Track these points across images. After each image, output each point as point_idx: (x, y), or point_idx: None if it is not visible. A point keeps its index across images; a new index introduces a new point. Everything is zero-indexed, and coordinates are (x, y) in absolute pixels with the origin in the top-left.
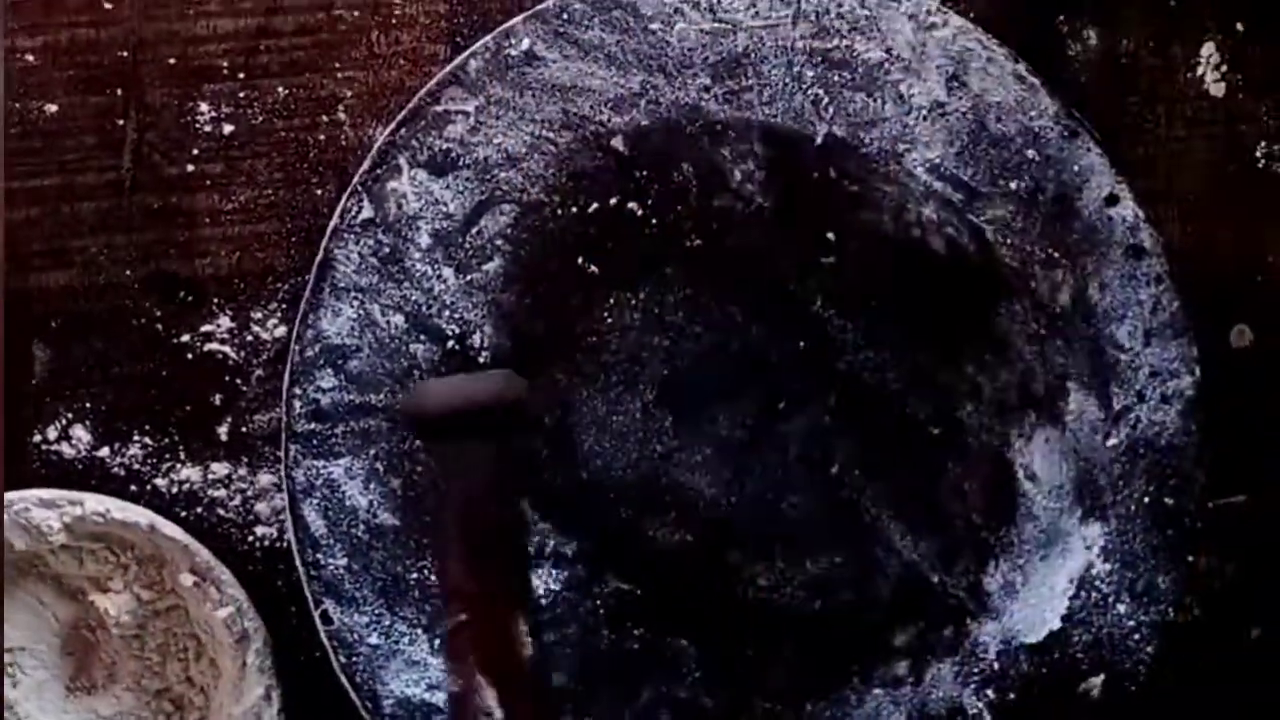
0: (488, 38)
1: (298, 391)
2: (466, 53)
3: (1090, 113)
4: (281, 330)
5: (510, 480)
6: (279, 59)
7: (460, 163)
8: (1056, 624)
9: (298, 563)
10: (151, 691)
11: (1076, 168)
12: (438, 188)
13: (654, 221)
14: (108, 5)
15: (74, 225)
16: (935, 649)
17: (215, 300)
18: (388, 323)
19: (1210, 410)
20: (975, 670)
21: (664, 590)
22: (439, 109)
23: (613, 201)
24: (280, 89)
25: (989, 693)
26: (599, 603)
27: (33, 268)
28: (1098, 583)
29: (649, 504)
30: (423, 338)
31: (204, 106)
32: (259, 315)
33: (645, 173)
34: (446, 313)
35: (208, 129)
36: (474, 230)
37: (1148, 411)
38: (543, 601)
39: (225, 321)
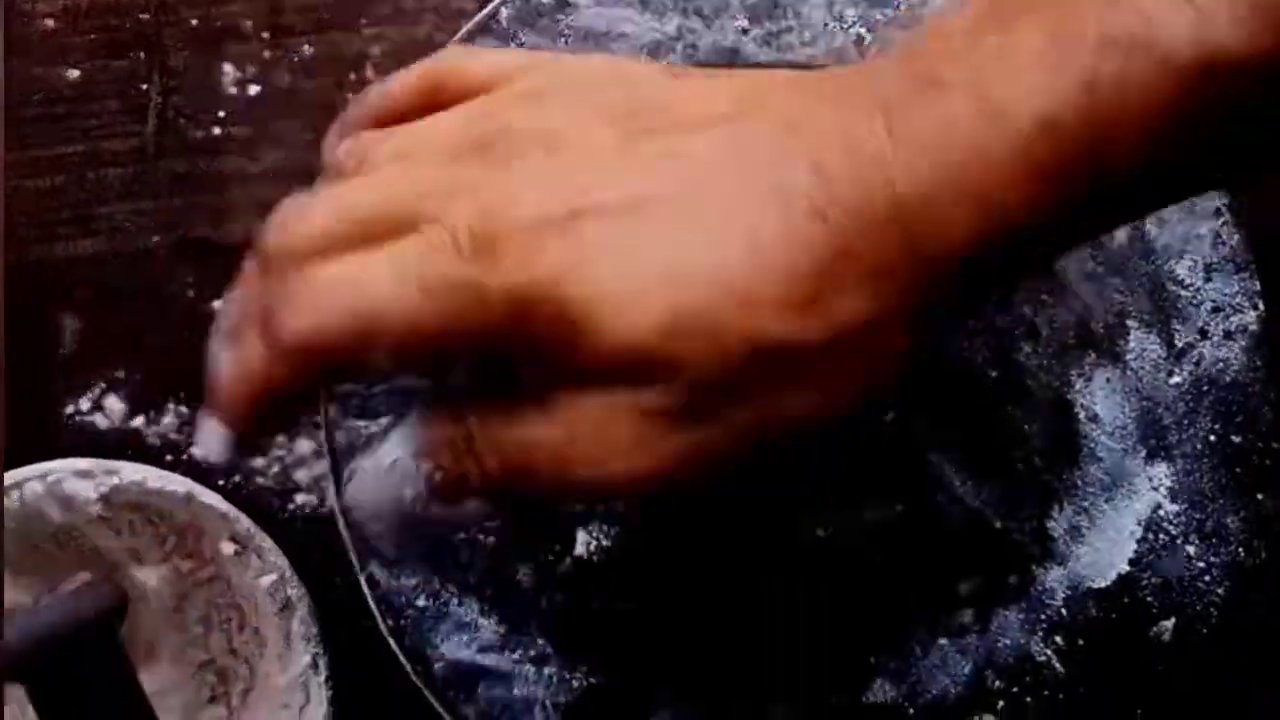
0: None
1: None
2: (497, 1)
3: None
4: None
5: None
6: (304, 18)
7: None
8: (1125, 567)
9: (341, 526)
10: (195, 664)
11: None
12: None
13: None
14: None
15: (99, 192)
16: (1001, 596)
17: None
18: None
19: (1275, 346)
20: (1042, 617)
21: (720, 540)
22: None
23: None
24: (306, 48)
25: (1057, 639)
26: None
27: (59, 236)
28: (1165, 524)
29: None
30: None
31: (229, 68)
32: None
33: None
34: None
35: (233, 91)
36: None
37: (1211, 348)
38: (594, 558)
39: None
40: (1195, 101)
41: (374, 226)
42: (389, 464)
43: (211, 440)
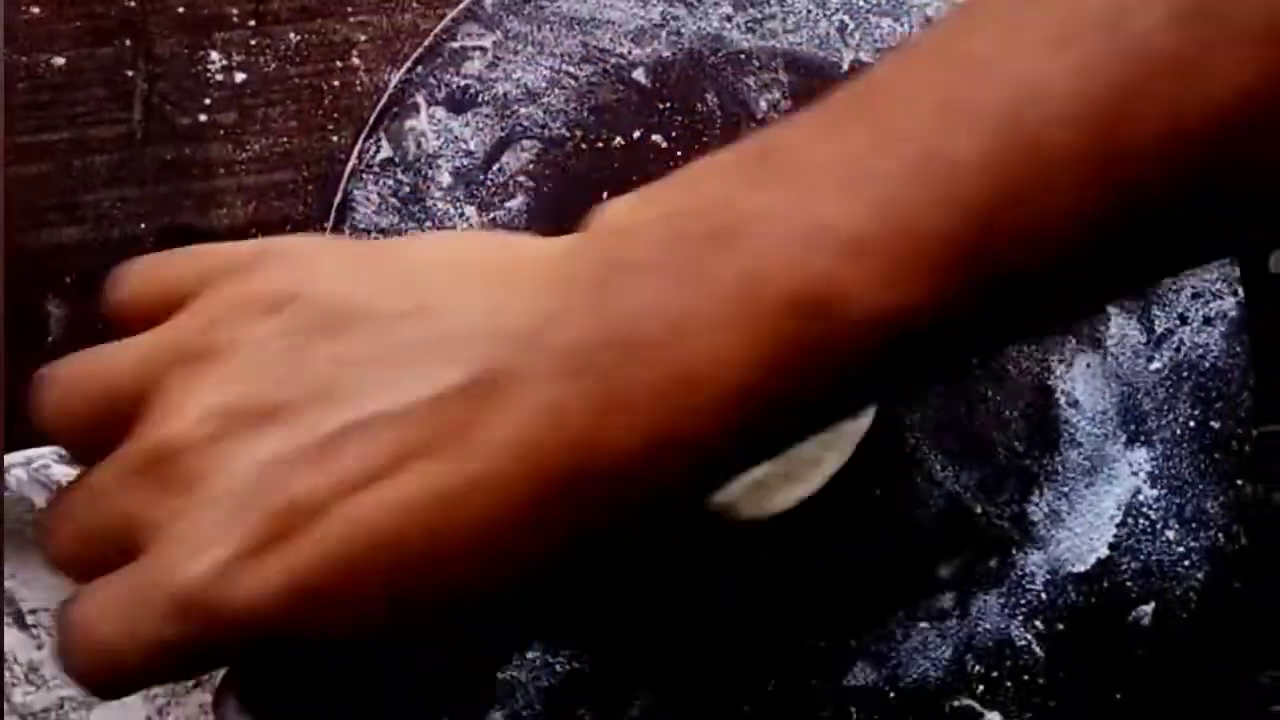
0: None
1: None
2: None
3: None
4: None
5: None
6: (290, 5)
7: (479, 99)
8: (1104, 552)
9: None
10: None
11: None
12: (457, 125)
13: (678, 154)
14: None
15: (86, 179)
16: (981, 581)
17: None
18: None
19: (1254, 332)
20: (1022, 601)
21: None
22: (455, 45)
23: (635, 135)
24: (292, 35)
25: (1037, 624)
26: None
27: (45, 223)
28: (1145, 509)
29: None
30: None
31: (215, 55)
32: None
33: (668, 105)
34: None
35: (219, 78)
36: (495, 167)
37: (1190, 334)
38: None
39: None
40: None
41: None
42: None
43: None
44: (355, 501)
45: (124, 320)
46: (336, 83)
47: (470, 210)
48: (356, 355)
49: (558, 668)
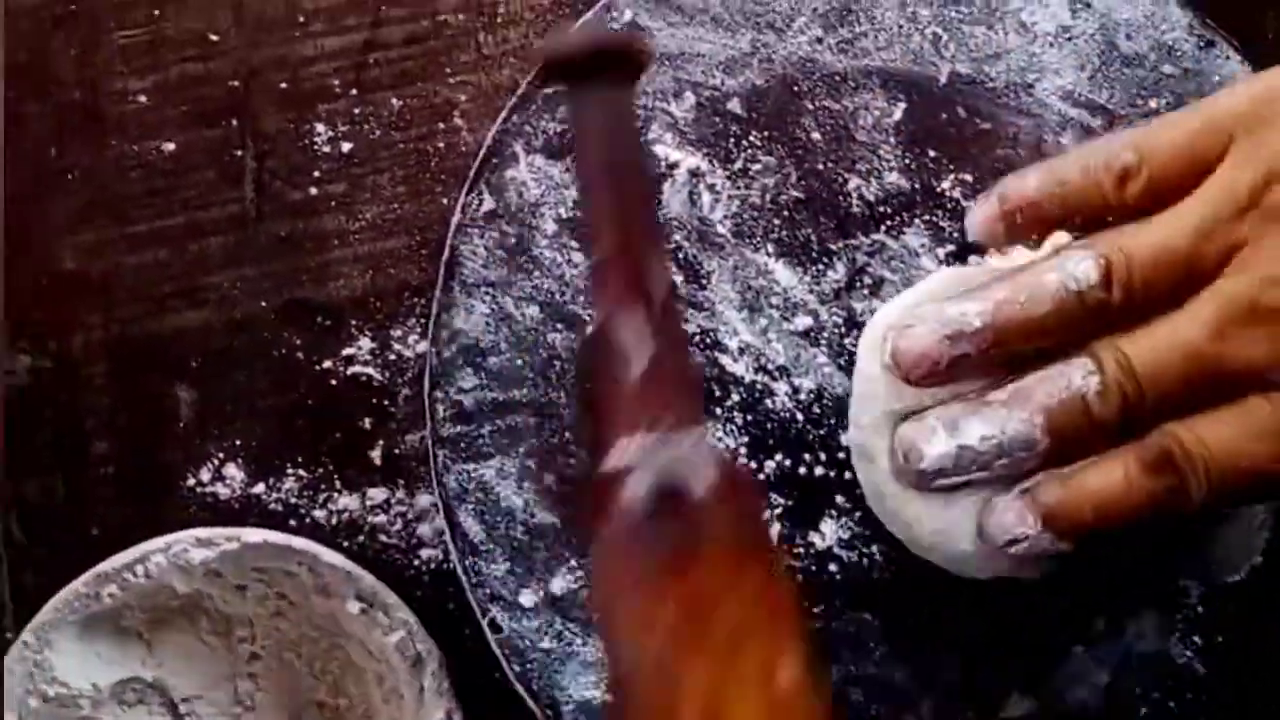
0: (589, 14)
1: (439, 394)
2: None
3: (1224, 21)
4: (423, 345)
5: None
6: (390, 71)
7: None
8: (1257, 559)
9: (459, 571)
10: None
11: (1217, 78)
12: (557, 171)
13: (783, 178)
14: (214, 37)
15: (203, 262)
16: (1134, 600)
17: (353, 323)
18: (523, 314)
19: None
20: (1178, 617)
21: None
22: (548, 91)
23: (737, 166)
24: (394, 101)
25: (1195, 639)
26: None
27: (167, 309)
28: None
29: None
30: (559, 326)
31: (320, 127)
32: (399, 333)
33: (766, 133)
34: (581, 298)
35: (326, 149)
36: None
37: None
38: None
39: (366, 343)
40: None
41: None
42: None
43: (1038, 545)
44: None
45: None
46: (441, 144)
47: (578, 257)
48: None
49: None
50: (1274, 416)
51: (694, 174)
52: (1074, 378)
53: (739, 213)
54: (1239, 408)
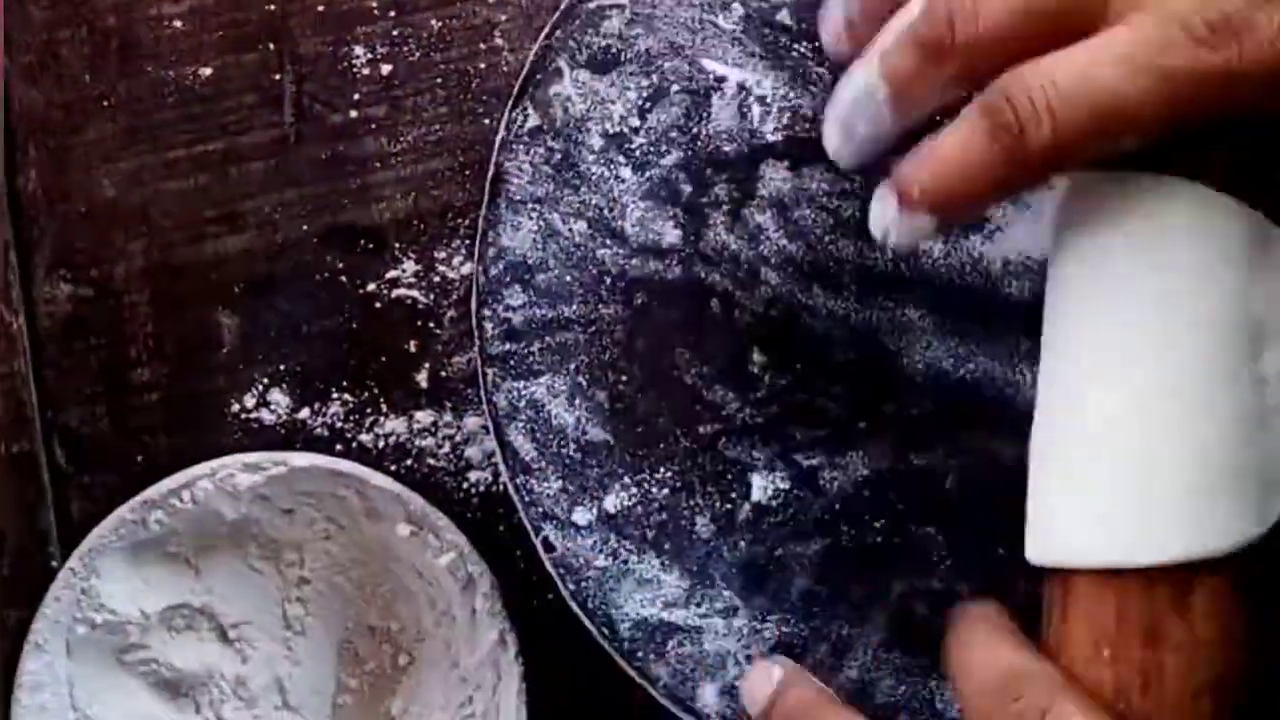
0: None
1: (487, 313)
2: None
3: None
4: (468, 268)
5: None
6: None
7: (622, 58)
8: None
9: (511, 491)
10: (380, 645)
11: None
12: (602, 86)
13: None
14: None
15: (244, 187)
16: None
17: (397, 245)
18: (570, 230)
19: None
20: None
21: (896, 477)
22: (592, 5)
23: (787, 75)
24: (434, 22)
25: None
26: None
27: (208, 235)
28: None
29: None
30: (608, 241)
31: (359, 50)
32: (443, 254)
33: (816, 43)
34: (629, 213)
35: (366, 72)
36: (646, 125)
37: None
38: (773, 503)
39: (410, 265)
40: None
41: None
42: None
43: (903, 229)
44: None
45: None
46: (482, 65)
47: (625, 172)
48: None
49: (766, 634)
50: (1133, 42)
51: (742, 87)
52: (913, 11)
53: (790, 125)
54: (1097, 39)
